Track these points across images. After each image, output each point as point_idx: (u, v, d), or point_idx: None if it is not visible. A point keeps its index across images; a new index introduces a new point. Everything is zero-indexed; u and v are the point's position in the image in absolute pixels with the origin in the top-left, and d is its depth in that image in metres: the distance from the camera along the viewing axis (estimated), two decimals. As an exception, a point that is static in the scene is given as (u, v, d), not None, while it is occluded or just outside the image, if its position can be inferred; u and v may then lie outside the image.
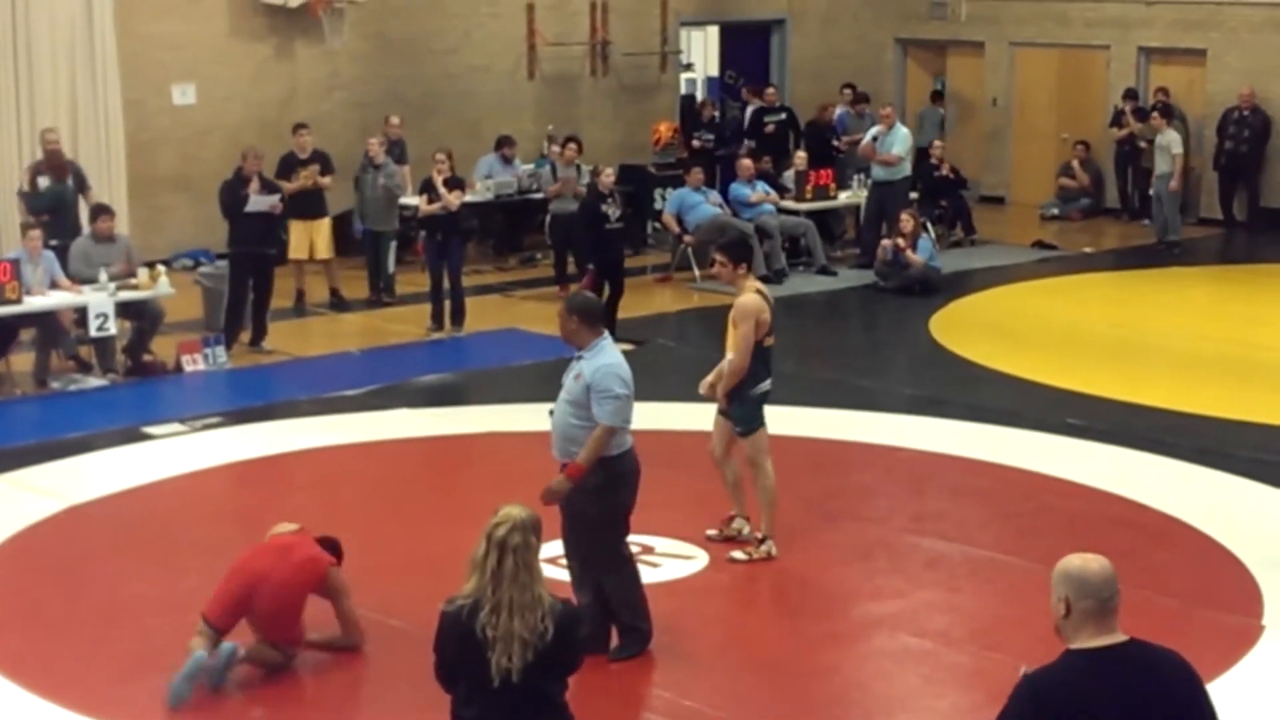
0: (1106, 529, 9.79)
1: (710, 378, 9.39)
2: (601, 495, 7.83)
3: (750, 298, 9.14)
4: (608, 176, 15.36)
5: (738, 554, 9.40)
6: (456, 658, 4.82)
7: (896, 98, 22.76)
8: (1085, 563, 4.55)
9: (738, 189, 18.06)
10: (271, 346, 14.62)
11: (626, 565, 8.17)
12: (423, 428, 11.92)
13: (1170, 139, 19.33)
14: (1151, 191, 19.91)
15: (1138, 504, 10.33)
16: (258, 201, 14.31)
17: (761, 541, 9.42)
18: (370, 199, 16.58)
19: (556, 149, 18.22)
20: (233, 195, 14.44)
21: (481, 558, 4.78)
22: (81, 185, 15.62)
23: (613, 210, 14.97)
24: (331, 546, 8.27)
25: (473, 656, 4.74)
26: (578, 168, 17.36)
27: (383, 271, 16.69)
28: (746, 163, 18.40)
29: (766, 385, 9.33)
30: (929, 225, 19.33)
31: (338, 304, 16.40)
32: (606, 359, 7.82)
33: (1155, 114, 20.12)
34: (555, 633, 4.76)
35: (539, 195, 18.48)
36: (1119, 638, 4.47)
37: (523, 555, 4.78)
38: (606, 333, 8.01)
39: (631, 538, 9.51)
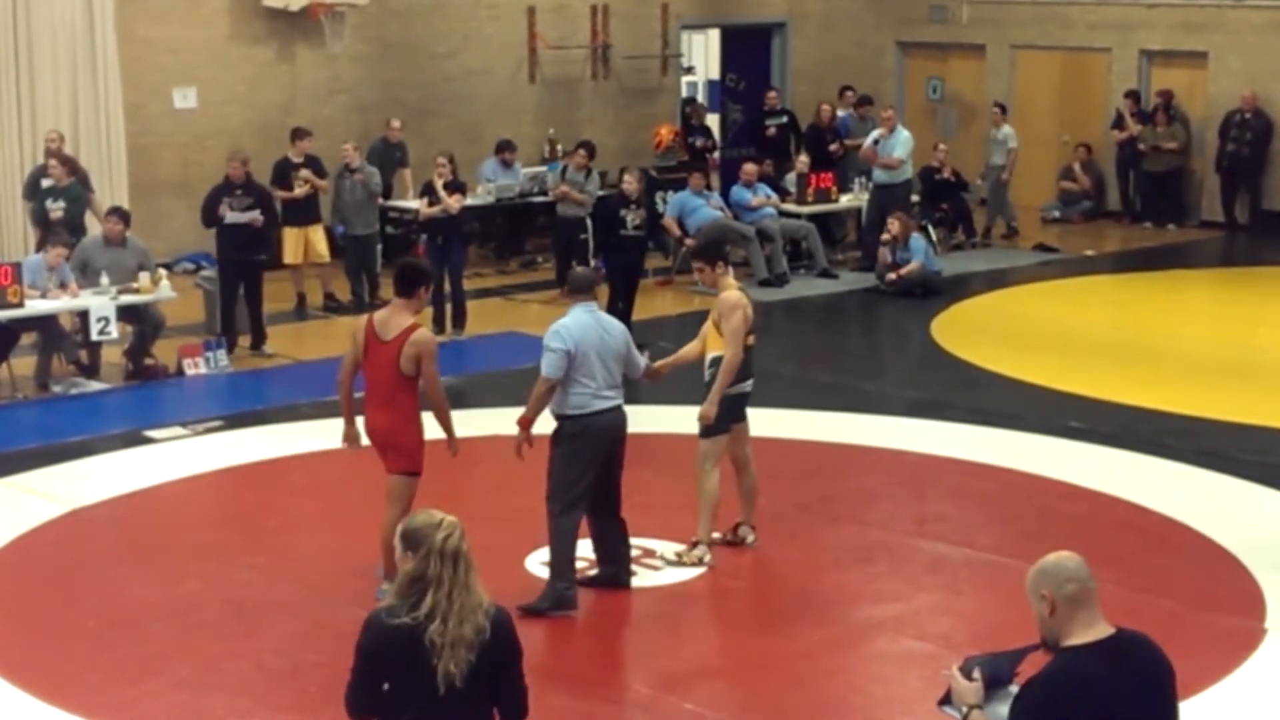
0: (1109, 532, 9.78)
1: (668, 360, 9.49)
2: (560, 445, 8.61)
3: (733, 293, 9.17)
4: (630, 184, 15.36)
5: (669, 554, 9.32)
6: (393, 671, 4.75)
7: (897, 101, 22.74)
8: (1056, 557, 4.56)
9: (739, 193, 18.05)
10: (273, 350, 14.60)
11: (565, 532, 8.62)
12: (424, 431, 11.88)
13: (1007, 133, 20.34)
14: (982, 180, 20.69)
15: (1140, 507, 10.32)
16: (235, 216, 14.29)
17: (694, 546, 9.33)
18: (349, 203, 16.56)
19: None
20: (211, 209, 14.43)
21: (437, 571, 4.71)
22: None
23: (631, 217, 14.98)
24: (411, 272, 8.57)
25: (412, 667, 4.69)
26: (588, 172, 17.29)
27: (370, 274, 16.69)
28: (750, 166, 18.38)
29: (746, 387, 9.27)
30: (930, 228, 19.33)
31: (334, 307, 16.40)
32: (560, 321, 8.67)
33: (996, 109, 20.91)
34: (491, 633, 4.74)
35: (540, 199, 18.47)
36: (1109, 629, 4.47)
37: (468, 559, 4.75)
38: (591, 304, 8.74)
39: (633, 541, 9.51)
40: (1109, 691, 4.37)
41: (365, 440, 8.73)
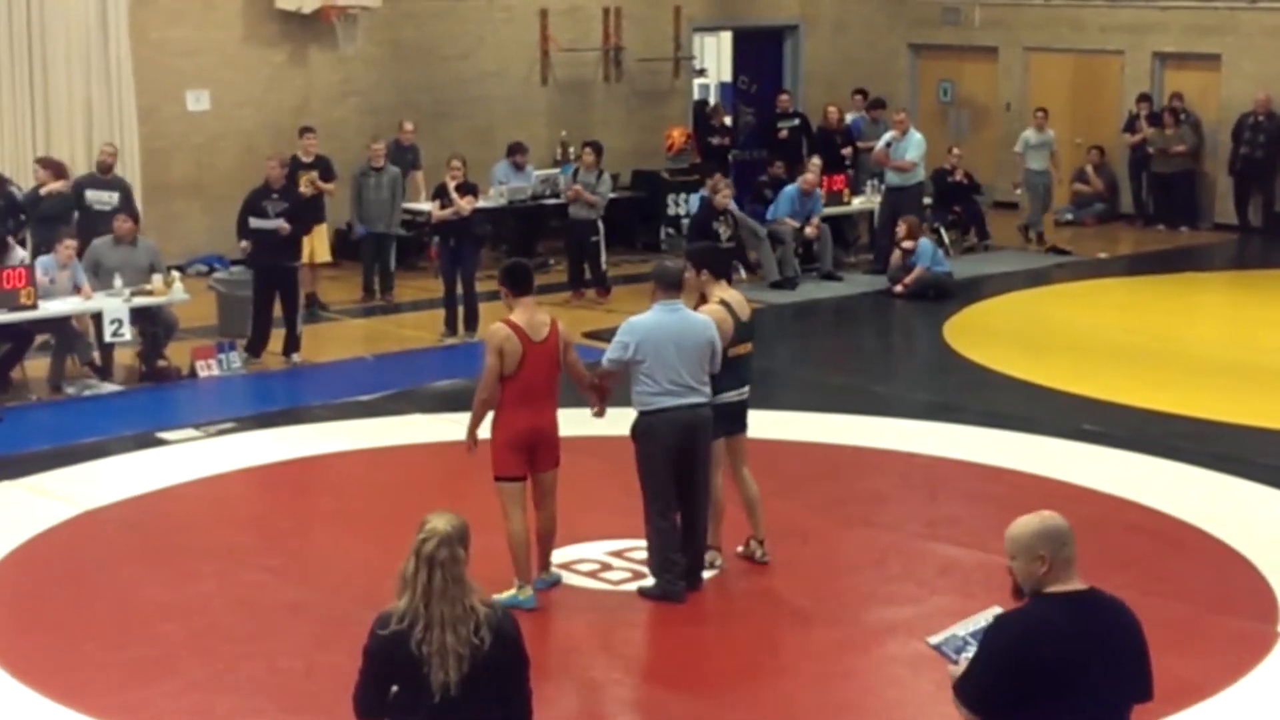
0: (1121, 535, 9.76)
1: None
2: (635, 443, 8.75)
3: (711, 307, 9.04)
4: (724, 196, 15.25)
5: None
6: (396, 676, 4.77)
7: (910, 103, 22.73)
8: (1045, 519, 4.86)
9: (785, 198, 17.80)
10: (303, 360, 14.44)
11: (656, 523, 8.74)
12: (437, 433, 11.91)
13: (1049, 137, 20.40)
14: (1022, 190, 20.62)
15: (1153, 510, 10.30)
16: (259, 222, 14.30)
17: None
18: (372, 202, 16.61)
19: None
20: (247, 214, 14.43)
21: (412, 574, 4.74)
22: (128, 200, 15.36)
23: (724, 230, 14.94)
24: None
25: (411, 674, 4.72)
26: (599, 173, 17.30)
27: (386, 274, 16.75)
28: (811, 177, 18.01)
29: (731, 396, 9.08)
30: (943, 230, 19.30)
31: (321, 309, 16.42)
32: (634, 316, 8.84)
33: (1038, 113, 20.79)
34: (494, 640, 4.74)
35: (552, 201, 18.48)
36: (1083, 585, 4.73)
37: (450, 569, 4.73)
38: (674, 302, 8.71)
39: (644, 542, 9.51)
40: (1076, 637, 4.62)
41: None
